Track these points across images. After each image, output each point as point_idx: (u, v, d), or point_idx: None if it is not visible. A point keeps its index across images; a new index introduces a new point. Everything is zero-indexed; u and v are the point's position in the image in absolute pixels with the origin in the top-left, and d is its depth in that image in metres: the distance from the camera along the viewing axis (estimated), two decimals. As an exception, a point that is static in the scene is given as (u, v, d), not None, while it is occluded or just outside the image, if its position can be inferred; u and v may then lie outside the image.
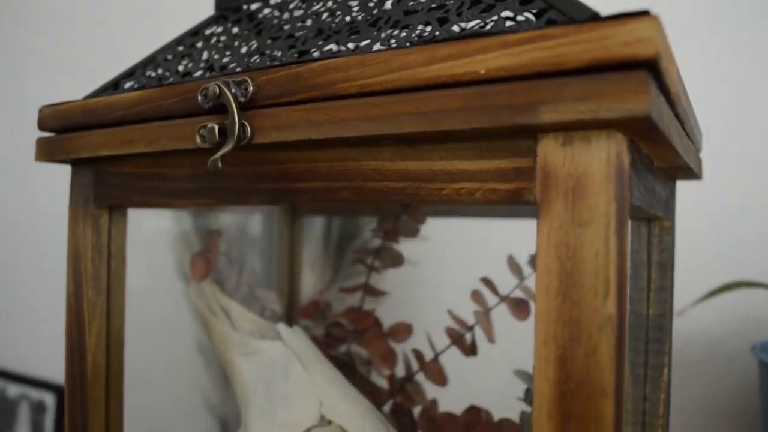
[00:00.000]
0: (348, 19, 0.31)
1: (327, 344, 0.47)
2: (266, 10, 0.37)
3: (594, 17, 0.21)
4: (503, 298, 0.43)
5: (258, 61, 0.32)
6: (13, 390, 0.98)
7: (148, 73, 0.36)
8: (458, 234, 0.64)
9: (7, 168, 1.05)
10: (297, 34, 0.32)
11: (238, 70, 0.31)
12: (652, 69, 0.20)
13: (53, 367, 0.94)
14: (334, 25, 0.31)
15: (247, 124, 0.27)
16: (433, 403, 0.46)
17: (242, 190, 0.30)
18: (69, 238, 0.37)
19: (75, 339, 0.37)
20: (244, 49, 0.34)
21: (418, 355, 0.46)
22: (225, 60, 0.33)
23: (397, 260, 0.47)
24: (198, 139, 0.29)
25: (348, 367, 0.45)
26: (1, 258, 1.06)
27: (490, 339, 0.43)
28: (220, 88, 0.28)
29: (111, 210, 0.37)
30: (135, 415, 0.47)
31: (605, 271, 0.21)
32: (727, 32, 0.59)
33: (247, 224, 0.62)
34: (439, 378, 0.45)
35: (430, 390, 0.47)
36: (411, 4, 0.29)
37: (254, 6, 0.38)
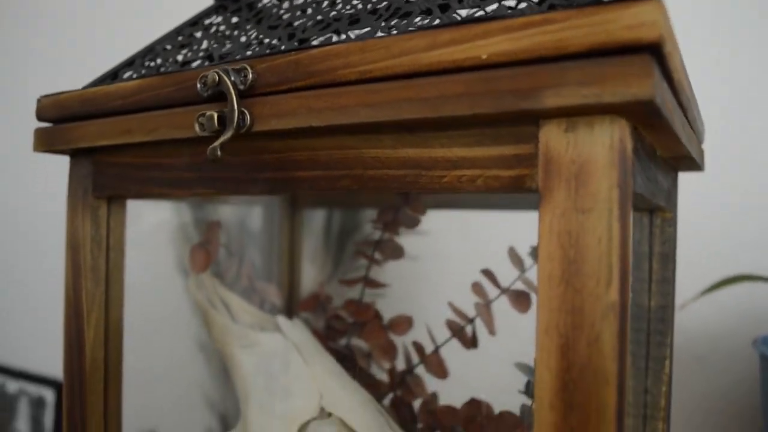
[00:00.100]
0: (348, 7, 0.31)
1: (327, 337, 0.47)
2: (266, 0, 0.37)
3: (596, 1, 0.21)
4: (504, 290, 0.43)
5: (258, 50, 0.31)
6: (13, 386, 0.98)
7: (147, 63, 0.36)
8: (459, 226, 0.63)
9: (7, 167, 1.05)
10: (296, 23, 0.32)
11: (237, 58, 0.31)
12: (655, 53, 0.20)
13: (53, 362, 0.93)
14: (334, 13, 0.31)
15: (246, 111, 0.27)
16: (434, 396, 0.46)
17: (242, 180, 0.30)
18: (67, 229, 0.37)
19: (73, 331, 0.37)
20: (243, 39, 0.33)
21: (419, 347, 0.46)
22: (224, 49, 0.33)
23: (398, 252, 0.47)
24: (197, 128, 0.28)
25: (348, 360, 0.45)
26: (1, 255, 1.06)
27: (491, 331, 0.43)
28: (219, 76, 0.27)
29: (110, 201, 0.37)
30: (133, 408, 0.47)
31: (608, 258, 0.21)
32: (727, 32, 0.59)
33: (247, 217, 0.62)
34: (440, 371, 0.45)
35: (431, 383, 0.46)
36: (412, -9, 0.28)
37: (254, -4, 0.38)
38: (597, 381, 0.21)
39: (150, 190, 0.34)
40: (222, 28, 0.36)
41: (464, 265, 0.49)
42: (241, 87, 0.27)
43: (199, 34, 0.37)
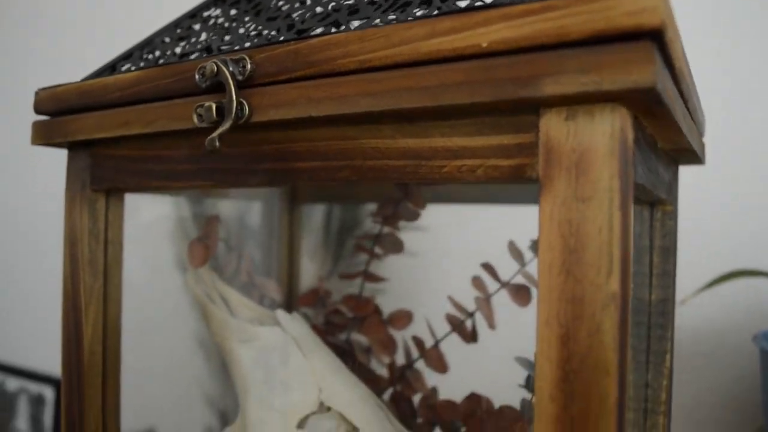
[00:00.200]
0: (347, -2, 0.30)
1: (326, 332, 0.47)
2: (265, -8, 0.36)
3: (598, -13, 0.20)
4: (504, 284, 0.43)
5: (256, 41, 0.31)
6: (12, 383, 0.98)
7: (145, 56, 0.36)
8: (458, 221, 0.63)
9: (7, 167, 1.05)
10: (295, 15, 0.32)
11: (236, 49, 0.31)
12: (656, 39, 0.19)
13: (52, 360, 0.93)
14: (333, 4, 0.30)
15: (245, 102, 0.27)
16: (433, 390, 0.46)
17: (240, 171, 0.30)
18: (65, 222, 0.37)
19: (71, 325, 0.37)
20: (242, 30, 0.33)
21: (419, 342, 0.46)
22: (223, 41, 0.33)
23: (398, 246, 0.46)
24: (195, 119, 0.28)
25: (347, 355, 0.44)
26: (1, 254, 1.06)
27: (491, 325, 0.43)
28: (217, 66, 0.27)
29: (108, 194, 0.37)
30: (132, 403, 0.46)
31: (609, 247, 0.21)
32: (728, 23, 0.59)
33: (246, 212, 0.61)
34: (440, 365, 0.45)
35: (430, 377, 0.46)
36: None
37: (252, -12, 0.37)
38: (598, 371, 0.21)
39: (148, 183, 0.34)
40: (221, 20, 0.36)
41: (464, 260, 0.49)
42: (240, 77, 0.27)
43: (197, 27, 0.36)
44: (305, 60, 0.26)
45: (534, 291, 0.42)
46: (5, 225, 1.05)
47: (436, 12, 0.25)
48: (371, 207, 0.59)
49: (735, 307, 0.58)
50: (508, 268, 0.43)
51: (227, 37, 0.33)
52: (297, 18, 0.31)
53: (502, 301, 0.43)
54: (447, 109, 0.23)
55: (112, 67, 0.36)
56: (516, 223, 0.46)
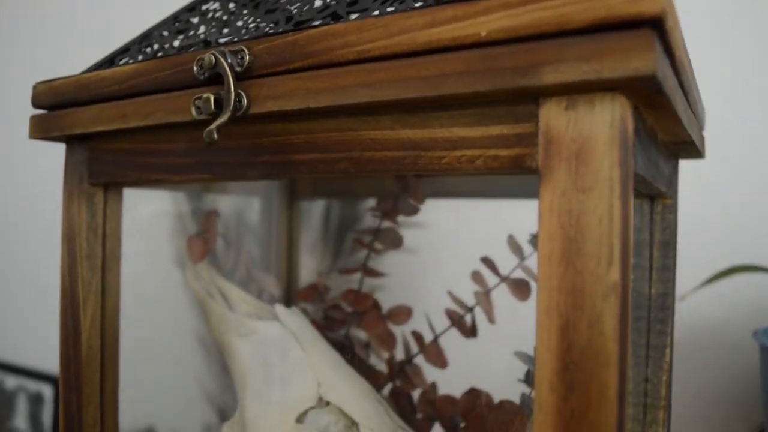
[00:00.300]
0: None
1: (326, 327, 0.46)
2: (263, -15, 0.36)
3: (598, -25, 0.20)
4: (504, 279, 0.43)
5: (255, 34, 0.31)
6: (11, 381, 0.98)
7: (143, 50, 0.36)
8: (458, 215, 0.63)
9: (7, 166, 1.04)
10: (293, 7, 0.32)
11: (234, 41, 0.31)
12: (657, 27, 0.19)
13: (51, 358, 0.93)
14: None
15: (243, 93, 0.27)
16: (433, 385, 0.46)
17: (239, 164, 0.30)
18: (63, 217, 0.36)
19: (70, 320, 0.36)
20: (240, 23, 0.33)
21: (418, 337, 0.46)
22: (221, 34, 0.33)
23: (397, 241, 0.46)
24: (193, 111, 0.28)
25: (347, 350, 0.44)
26: (0, 253, 1.05)
27: (491, 320, 0.43)
28: (215, 58, 0.27)
29: (106, 188, 0.36)
30: (130, 398, 0.46)
31: (609, 237, 0.21)
32: (729, 17, 0.59)
33: (245, 207, 0.61)
34: (439, 360, 0.44)
35: (430, 372, 0.46)
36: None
37: (251, -19, 0.37)
38: (598, 362, 0.21)
39: (146, 177, 0.34)
40: (219, 13, 0.36)
41: (463, 254, 0.49)
42: (238, 69, 0.27)
43: (195, 20, 0.36)
44: (303, 51, 0.25)
45: (533, 285, 0.42)
46: (4, 224, 1.05)
47: (434, 1, 0.25)
48: (370, 202, 0.59)
49: (735, 303, 0.58)
50: (507, 263, 0.43)
51: (225, 30, 0.33)
52: (295, 10, 0.31)
53: (501, 295, 0.43)
54: (446, 99, 0.23)
55: (110, 61, 0.36)
56: (515, 217, 0.46)
